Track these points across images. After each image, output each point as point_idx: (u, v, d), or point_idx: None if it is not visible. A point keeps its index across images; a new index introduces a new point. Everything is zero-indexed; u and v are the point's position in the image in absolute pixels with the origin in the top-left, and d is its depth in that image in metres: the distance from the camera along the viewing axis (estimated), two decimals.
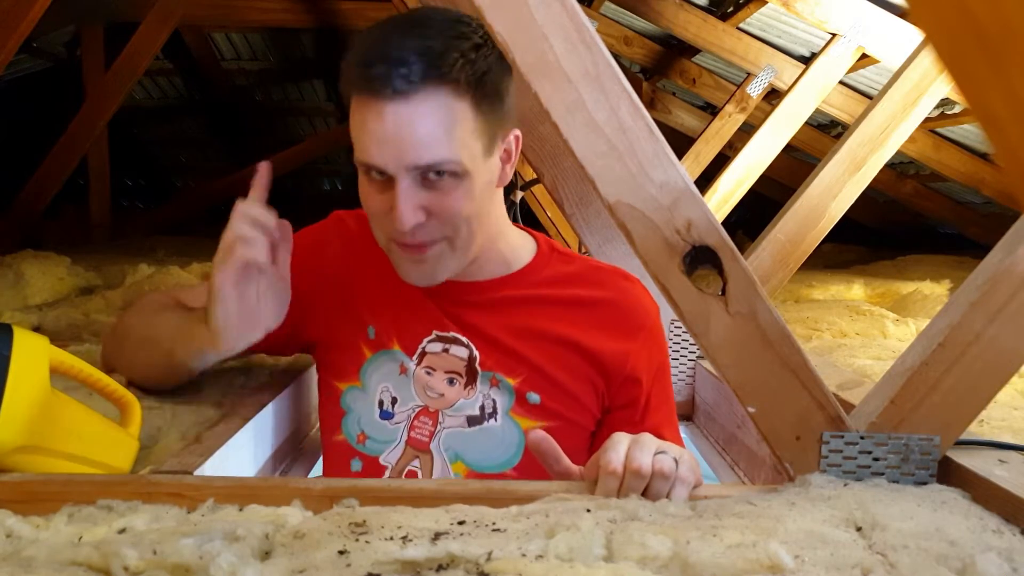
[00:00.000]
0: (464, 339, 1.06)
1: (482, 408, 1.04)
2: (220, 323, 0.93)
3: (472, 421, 1.04)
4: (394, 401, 1.07)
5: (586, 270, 1.09)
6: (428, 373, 1.06)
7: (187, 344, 1.00)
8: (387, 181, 0.93)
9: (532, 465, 1.02)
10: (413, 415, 1.06)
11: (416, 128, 0.90)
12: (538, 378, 1.03)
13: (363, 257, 1.11)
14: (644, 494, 0.72)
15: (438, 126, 0.90)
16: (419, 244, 0.96)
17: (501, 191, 1.06)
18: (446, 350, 1.06)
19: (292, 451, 1.26)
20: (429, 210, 0.93)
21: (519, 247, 1.09)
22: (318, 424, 1.21)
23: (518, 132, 1.02)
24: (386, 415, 1.06)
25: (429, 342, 1.07)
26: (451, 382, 1.05)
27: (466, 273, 1.04)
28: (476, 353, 1.05)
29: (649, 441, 0.75)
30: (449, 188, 0.93)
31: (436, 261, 0.98)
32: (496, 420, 1.03)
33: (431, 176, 0.92)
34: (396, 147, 0.90)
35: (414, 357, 1.07)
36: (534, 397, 1.03)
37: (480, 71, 0.91)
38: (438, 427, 1.05)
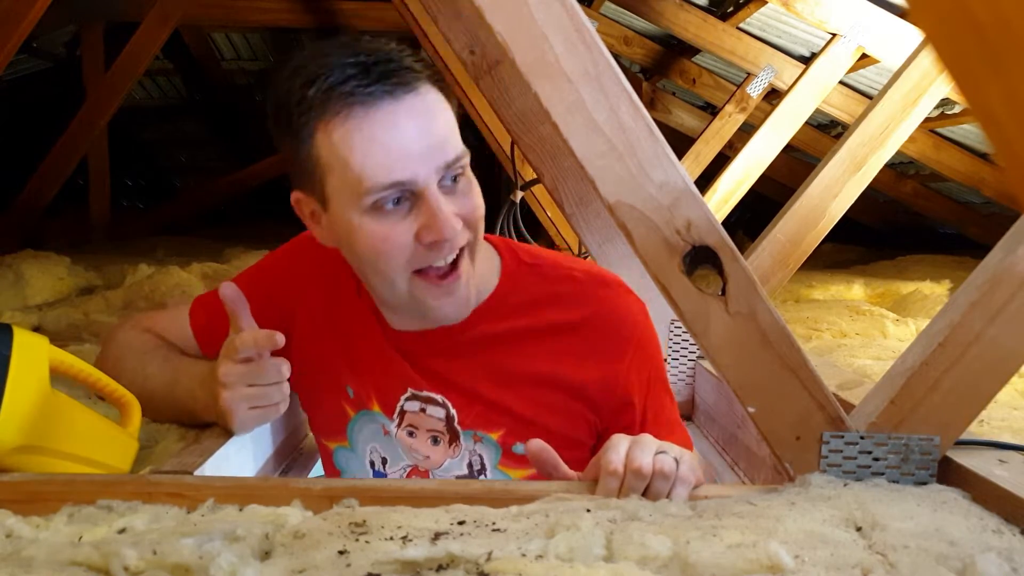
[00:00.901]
0: (439, 397, 0.98)
1: (470, 466, 0.99)
2: (237, 430, 0.94)
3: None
4: (384, 461, 1.03)
5: (561, 283, 0.98)
6: (410, 434, 1.00)
7: (194, 416, 0.98)
8: (408, 202, 0.85)
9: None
10: (405, 474, 1.02)
11: (433, 124, 0.85)
12: (521, 427, 0.96)
13: (334, 300, 1.03)
14: (644, 494, 0.72)
15: (450, 120, 0.87)
16: (450, 267, 0.88)
17: None
18: (423, 410, 0.99)
19: (292, 451, 1.26)
20: (460, 214, 0.87)
21: (488, 266, 0.98)
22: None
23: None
24: (379, 475, 1.03)
25: (406, 400, 1.00)
26: (435, 441, 1.00)
27: (442, 319, 0.95)
28: (453, 412, 0.98)
29: (650, 441, 0.75)
30: (465, 189, 0.88)
31: (466, 285, 0.90)
32: (486, 475, 0.99)
33: (447, 182, 0.86)
34: (422, 149, 0.83)
35: (394, 417, 1.01)
36: (520, 448, 0.97)
37: (437, 71, 0.89)
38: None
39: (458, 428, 0.99)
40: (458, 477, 0.99)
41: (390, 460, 1.02)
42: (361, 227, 0.86)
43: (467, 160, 0.88)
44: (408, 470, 1.02)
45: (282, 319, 1.02)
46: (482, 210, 0.90)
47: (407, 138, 0.82)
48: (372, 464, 1.04)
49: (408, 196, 0.85)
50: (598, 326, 0.97)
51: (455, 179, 0.87)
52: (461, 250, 0.89)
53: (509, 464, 0.99)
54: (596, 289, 0.99)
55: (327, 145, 0.84)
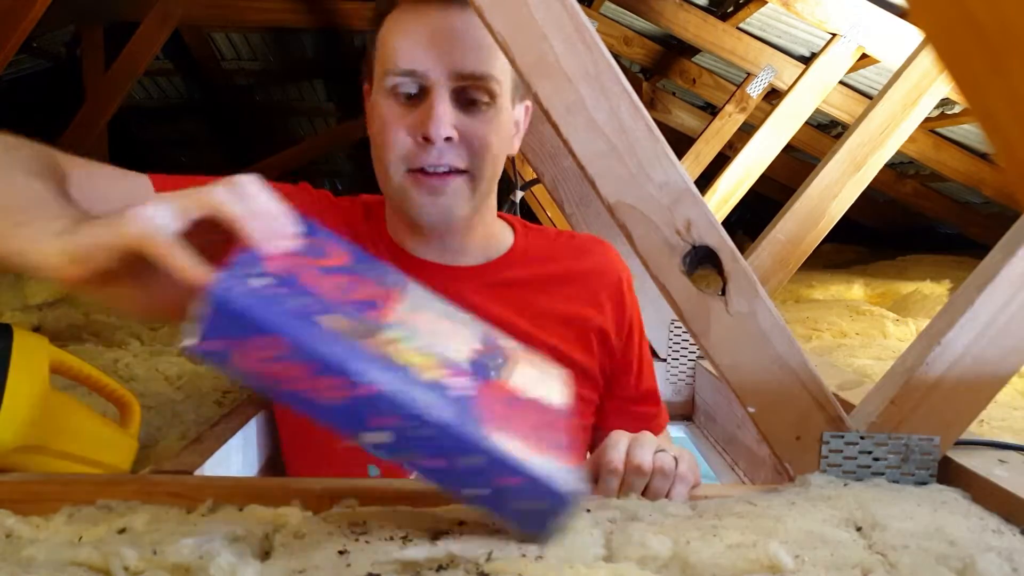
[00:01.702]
0: None
1: None
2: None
3: None
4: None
5: (565, 241, 1.10)
6: None
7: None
8: (417, 97, 0.90)
9: None
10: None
11: (467, 35, 0.89)
12: (558, 361, 1.00)
13: (361, 234, 1.04)
14: (644, 492, 0.72)
15: (480, 39, 0.89)
16: (441, 173, 0.91)
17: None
18: None
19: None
20: (460, 132, 0.90)
21: (503, 228, 1.09)
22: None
23: (529, 103, 1.01)
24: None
25: None
26: None
27: (463, 256, 1.02)
28: None
29: (649, 439, 0.75)
30: (481, 114, 0.91)
31: (454, 195, 0.93)
32: None
33: (468, 96, 0.90)
34: (441, 50, 0.88)
35: None
36: None
37: None
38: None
39: None
40: None
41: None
42: (378, 108, 0.92)
43: (494, 86, 0.90)
44: None
45: None
46: (493, 143, 0.92)
47: (434, 35, 0.88)
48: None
49: (419, 93, 0.90)
50: (604, 274, 1.07)
51: (475, 102, 0.90)
52: (458, 172, 0.92)
53: None
54: (596, 246, 1.10)
55: (384, 30, 0.92)
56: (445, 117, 0.88)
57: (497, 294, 1.03)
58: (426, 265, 1.02)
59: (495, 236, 1.06)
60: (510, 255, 1.06)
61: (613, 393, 1.10)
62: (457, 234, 1.01)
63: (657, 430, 1.11)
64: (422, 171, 0.91)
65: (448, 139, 0.89)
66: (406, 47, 0.89)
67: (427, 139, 0.89)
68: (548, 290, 1.05)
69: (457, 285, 1.02)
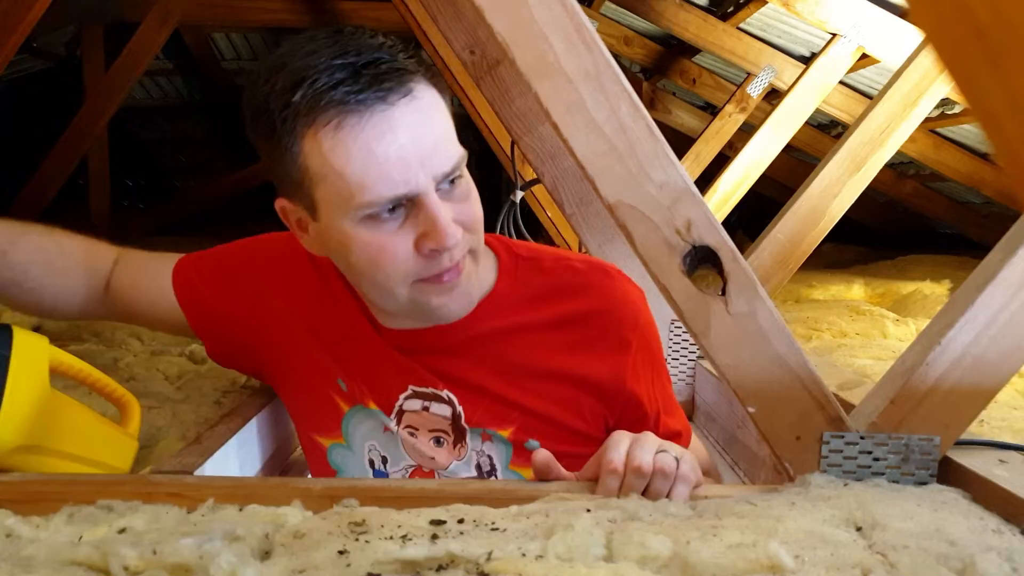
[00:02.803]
0: (444, 393, 0.94)
1: (479, 467, 0.96)
2: None
3: None
4: (384, 460, 0.98)
5: (561, 275, 0.97)
6: (412, 435, 0.96)
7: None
8: (404, 209, 0.81)
9: None
10: (408, 475, 0.97)
11: (429, 130, 0.80)
12: (533, 422, 0.94)
13: (318, 298, 0.99)
14: (645, 493, 0.72)
15: (446, 122, 0.83)
16: (455, 266, 0.84)
17: None
18: (426, 408, 0.95)
19: (292, 451, 1.26)
20: (460, 219, 0.83)
21: (486, 264, 0.95)
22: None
23: None
24: (380, 474, 0.98)
25: (406, 399, 0.95)
26: (438, 442, 0.95)
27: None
28: (460, 409, 0.94)
29: (650, 439, 0.75)
30: (463, 194, 0.84)
31: (467, 280, 0.87)
32: (497, 476, 0.95)
33: (445, 186, 0.82)
34: (420, 157, 0.79)
35: (392, 416, 0.96)
36: (533, 444, 0.93)
37: (428, 60, 0.84)
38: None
39: (465, 426, 0.95)
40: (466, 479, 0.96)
41: (391, 459, 0.98)
42: (356, 237, 0.82)
43: (463, 162, 0.84)
44: (411, 470, 0.97)
45: (253, 301, 1.01)
46: (481, 213, 0.87)
47: (403, 147, 0.78)
48: (372, 463, 0.99)
49: (405, 203, 0.81)
50: (604, 317, 0.95)
51: (452, 182, 0.83)
52: (464, 259, 0.86)
53: (521, 463, 0.94)
54: (598, 279, 0.97)
55: (317, 155, 0.79)
56: (450, 223, 0.80)
57: (470, 352, 0.94)
58: (397, 335, 0.95)
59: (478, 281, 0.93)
60: (489, 300, 0.94)
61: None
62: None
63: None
64: (435, 277, 0.85)
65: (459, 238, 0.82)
66: (377, 173, 0.78)
67: (437, 251, 0.82)
68: (529, 341, 0.94)
69: (427, 351, 0.95)
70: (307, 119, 0.78)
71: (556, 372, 0.94)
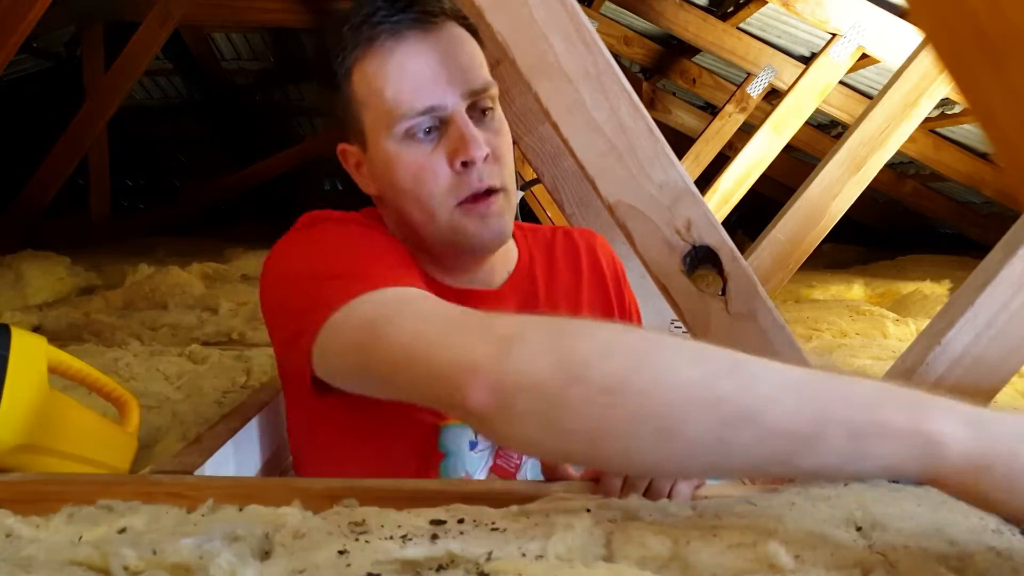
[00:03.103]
0: None
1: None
2: None
3: None
4: (472, 444, 0.96)
5: (562, 240, 1.07)
6: None
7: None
8: (438, 131, 0.86)
9: None
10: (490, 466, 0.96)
11: (460, 53, 0.86)
12: None
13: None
14: (647, 492, 0.71)
15: (469, 52, 0.87)
16: (488, 189, 0.87)
17: None
18: None
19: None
20: (489, 147, 0.86)
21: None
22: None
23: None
24: (472, 445, 0.96)
25: None
26: None
27: (491, 278, 0.98)
28: None
29: None
30: (496, 127, 0.89)
31: (499, 214, 0.89)
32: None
33: (480, 111, 0.87)
34: (449, 75, 0.84)
35: None
36: None
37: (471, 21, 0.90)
38: (523, 458, 0.96)
39: None
40: None
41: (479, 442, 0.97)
42: (399, 158, 0.87)
43: (495, 93, 0.88)
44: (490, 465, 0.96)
45: None
46: (511, 153, 0.90)
47: (434, 65, 0.84)
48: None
49: (438, 125, 0.86)
50: (603, 269, 1.04)
51: (484, 113, 0.87)
52: (496, 191, 0.88)
53: None
54: (587, 239, 1.07)
55: (362, 81, 0.86)
56: (480, 136, 0.85)
57: (530, 309, 0.99)
58: (458, 292, 0.96)
59: (507, 249, 1.00)
60: (521, 267, 1.02)
61: None
62: (484, 259, 0.97)
63: None
64: (470, 199, 0.87)
65: (485, 157, 0.86)
66: (410, 87, 0.84)
67: (466, 164, 0.85)
68: (570, 297, 1.02)
69: (495, 307, 0.96)
70: (354, 53, 0.86)
71: (596, 307, 1.01)
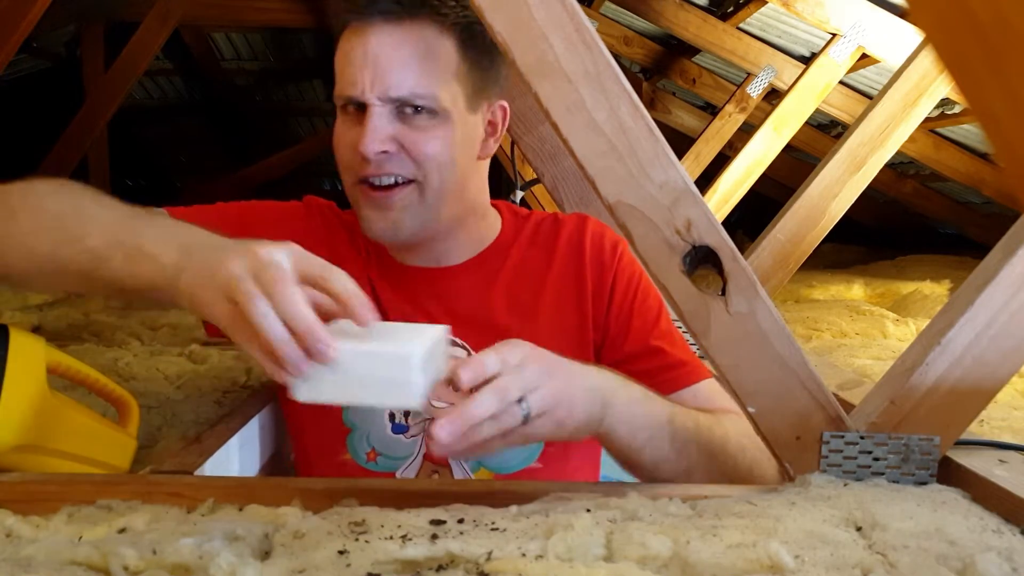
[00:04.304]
0: (458, 339, 0.98)
1: None
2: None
3: None
4: (406, 413, 0.99)
5: (549, 224, 1.07)
6: None
7: (112, 282, 0.72)
8: (361, 115, 0.92)
9: (556, 453, 1.00)
10: (428, 426, 0.95)
11: (395, 55, 0.90)
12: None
13: (339, 252, 1.03)
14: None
15: (418, 56, 0.90)
16: (386, 187, 0.93)
17: (485, 169, 1.04)
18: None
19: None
20: (400, 143, 0.92)
21: (492, 222, 1.07)
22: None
23: (505, 104, 1.01)
24: (399, 428, 0.99)
25: None
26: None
27: (446, 258, 1.02)
28: (470, 349, 0.98)
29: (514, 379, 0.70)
30: (424, 126, 0.92)
31: (402, 210, 0.94)
32: None
33: (407, 111, 0.91)
34: (372, 73, 0.90)
35: None
36: None
37: (472, 18, 0.91)
38: None
39: None
40: None
41: (412, 412, 1.00)
42: (337, 124, 0.97)
43: (430, 103, 0.91)
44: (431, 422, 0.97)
45: None
46: (436, 152, 0.92)
47: (366, 57, 0.90)
48: (392, 417, 0.99)
49: (362, 108, 0.92)
50: (580, 246, 1.04)
51: (417, 109, 0.91)
52: (406, 183, 0.93)
53: None
54: (572, 220, 1.08)
55: (337, 50, 0.95)
56: (377, 133, 0.90)
57: (471, 293, 1.02)
58: (409, 270, 1.02)
59: (480, 231, 1.05)
60: (493, 247, 1.05)
61: (607, 359, 1.01)
62: (434, 242, 1.01)
63: (664, 386, 0.95)
64: (368, 184, 0.93)
65: (385, 152, 0.91)
66: (346, 72, 0.92)
67: (364, 157, 0.91)
68: (535, 279, 1.02)
69: (443, 285, 1.02)
70: (337, 21, 0.95)
71: (560, 305, 1.01)
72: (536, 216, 1.11)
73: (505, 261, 1.04)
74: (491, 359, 0.70)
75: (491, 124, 1.00)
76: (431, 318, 0.99)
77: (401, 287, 1.03)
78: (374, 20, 0.90)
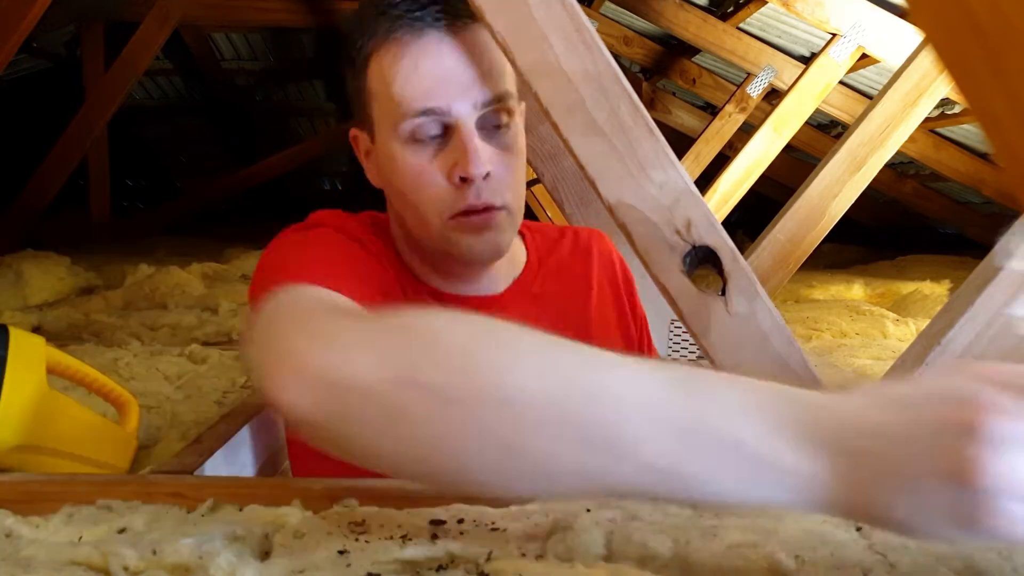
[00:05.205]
0: None
1: None
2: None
3: None
4: None
5: (570, 241, 1.04)
6: None
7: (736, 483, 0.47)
8: (441, 137, 0.83)
9: None
10: None
11: (480, 60, 0.82)
12: None
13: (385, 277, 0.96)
14: None
15: (497, 58, 0.83)
16: (486, 207, 0.84)
17: None
18: None
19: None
20: (492, 166, 0.83)
21: (517, 241, 1.01)
22: None
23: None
24: None
25: None
26: None
27: (492, 285, 0.96)
28: None
29: None
30: (508, 142, 0.84)
31: (498, 230, 0.87)
32: None
33: (490, 121, 0.83)
34: (461, 81, 0.81)
35: None
36: None
37: None
38: None
39: None
40: None
41: None
42: (401, 159, 0.84)
43: (514, 105, 0.84)
44: None
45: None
46: (523, 176, 0.87)
47: (447, 67, 0.81)
48: None
49: (444, 132, 0.83)
50: (612, 267, 1.03)
51: (498, 127, 0.84)
52: (497, 208, 0.85)
53: None
54: (593, 240, 1.05)
55: (376, 73, 0.84)
56: (482, 153, 0.81)
57: (534, 316, 0.94)
58: (459, 300, 0.95)
59: (513, 255, 0.98)
60: (528, 270, 0.99)
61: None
62: (489, 265, 0.95)
63: None
64: (464, 213, 0.85)
65: (487, 175, 0.82)
66: (417, 85, 0.81)
67: (464, 179, 0.82)
68: (577, 299, 1.00)
69: (496, 314, 0.96)
70: (371, 41, 0.83)
71: (605, 320, 1.00)
72: (548, 232, 1.07)
73: (543, 286, 1.00)
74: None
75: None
76: None
77: None
78: (429, 31, 0.81)
